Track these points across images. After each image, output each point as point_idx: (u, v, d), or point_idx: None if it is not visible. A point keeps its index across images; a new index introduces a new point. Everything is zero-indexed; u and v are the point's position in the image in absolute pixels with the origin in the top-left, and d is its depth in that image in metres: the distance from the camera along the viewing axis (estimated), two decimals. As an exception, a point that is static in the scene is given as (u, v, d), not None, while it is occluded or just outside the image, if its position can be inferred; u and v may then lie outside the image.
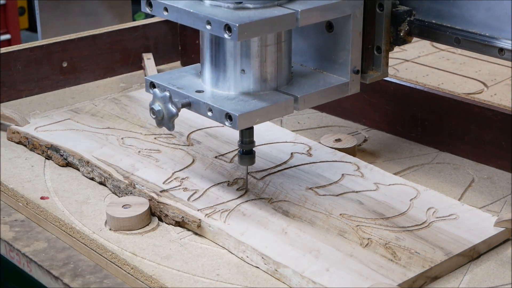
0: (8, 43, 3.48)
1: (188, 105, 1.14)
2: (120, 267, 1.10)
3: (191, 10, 1.09)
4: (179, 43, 1.80)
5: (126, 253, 1.11)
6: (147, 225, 1.18)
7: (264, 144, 1.38)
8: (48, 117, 1.49)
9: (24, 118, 1.46)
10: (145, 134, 1.41)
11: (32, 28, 3.87)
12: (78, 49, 1.68)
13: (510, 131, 1.31)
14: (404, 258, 1.08)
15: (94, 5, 1.97)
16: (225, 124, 1.09)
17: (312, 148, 1.37)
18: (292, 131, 1.44)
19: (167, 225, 1.18)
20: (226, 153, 1.35)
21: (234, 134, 1.39)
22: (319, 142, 1.39)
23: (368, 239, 1.11)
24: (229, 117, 1.09)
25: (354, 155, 1.36)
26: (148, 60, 1.71)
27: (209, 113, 1.11)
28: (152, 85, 1.19)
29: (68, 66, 1.68)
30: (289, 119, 1.52)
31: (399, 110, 1.46)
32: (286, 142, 1.39)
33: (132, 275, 1.09)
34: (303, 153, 1.35)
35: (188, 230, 1.17)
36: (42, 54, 1.64)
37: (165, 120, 1.12)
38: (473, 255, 1.11)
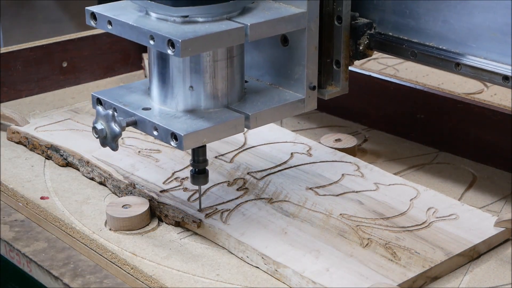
0: (8, 43, 3.48)
1: (134, 123, 1.08)
2: (120, 267, 1.10)
3: (135, 24, 1.04)
4: (179, 43, 1.80)
5: (126, 253, 1.11)
6: (147, 225, 1.17)
7: (264, 144, 1.38)
8: (48, 117, 1.49)
9: (24, 118, 1.46)
10: (145, 134, 1.41)
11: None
12: (78, 49, 1.68)
13: (510, 131, 1.31)
14: (404, 258, 1.08)
15: (58, 13, 1.96)
16: (170, 144, 1.05)
17: (312, 148, 1.37)
18: (292, 131, 1.44)
19: (167, 225, 1.18)
20: (226, 153, 1.35)
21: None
22: (319, 142, 1.39)
23: (368, 239, 1.11)
24: (174, 136, 1.04)
25: (354, 155, 1.36)
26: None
27: (155, 132, 1.06)
28: (99, 102, 1.13)
29: (68, 66, 1.68)
30: (289, 119, 1.52)
31: (399, 110, 1.46)
32: (286, 142, 1.39)
33: (132, 275, 1.09)
34: (303, 153, 1.35)
35: (188, 230, 1.17)
36: (42, 54, 1.64)
37: (108, 140, 1.07)
38: (473, 255, 1.11)
